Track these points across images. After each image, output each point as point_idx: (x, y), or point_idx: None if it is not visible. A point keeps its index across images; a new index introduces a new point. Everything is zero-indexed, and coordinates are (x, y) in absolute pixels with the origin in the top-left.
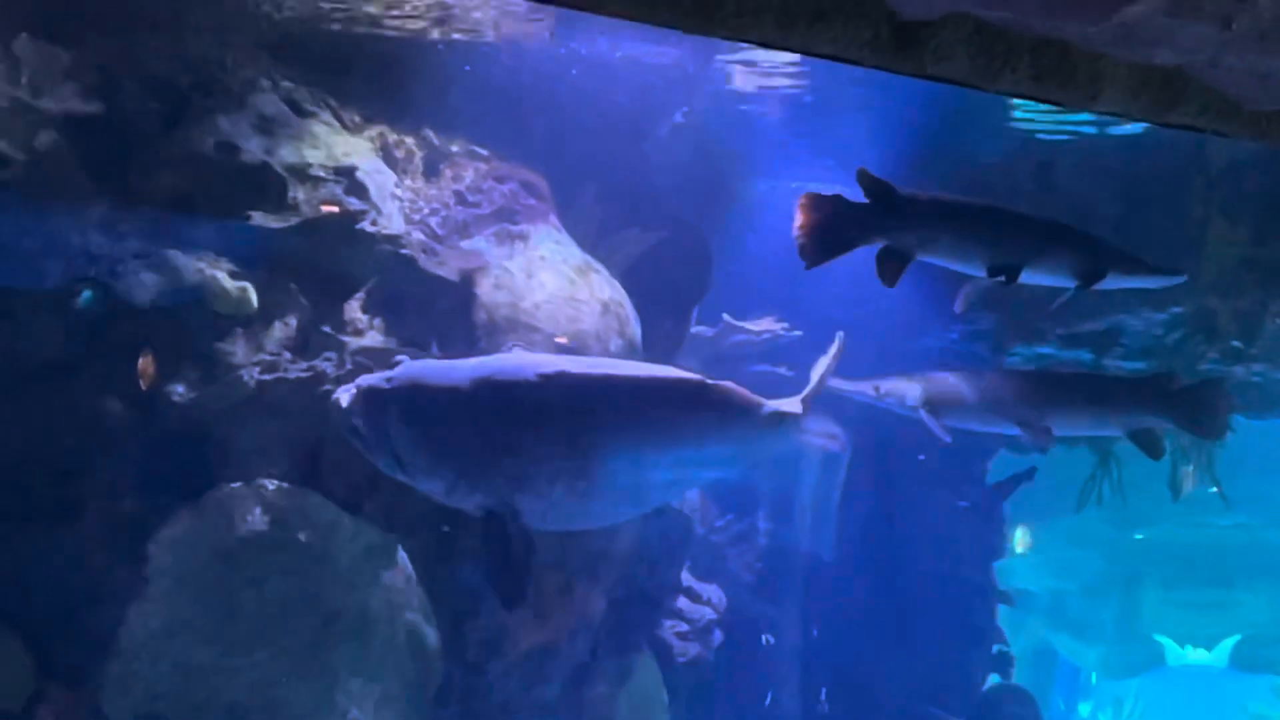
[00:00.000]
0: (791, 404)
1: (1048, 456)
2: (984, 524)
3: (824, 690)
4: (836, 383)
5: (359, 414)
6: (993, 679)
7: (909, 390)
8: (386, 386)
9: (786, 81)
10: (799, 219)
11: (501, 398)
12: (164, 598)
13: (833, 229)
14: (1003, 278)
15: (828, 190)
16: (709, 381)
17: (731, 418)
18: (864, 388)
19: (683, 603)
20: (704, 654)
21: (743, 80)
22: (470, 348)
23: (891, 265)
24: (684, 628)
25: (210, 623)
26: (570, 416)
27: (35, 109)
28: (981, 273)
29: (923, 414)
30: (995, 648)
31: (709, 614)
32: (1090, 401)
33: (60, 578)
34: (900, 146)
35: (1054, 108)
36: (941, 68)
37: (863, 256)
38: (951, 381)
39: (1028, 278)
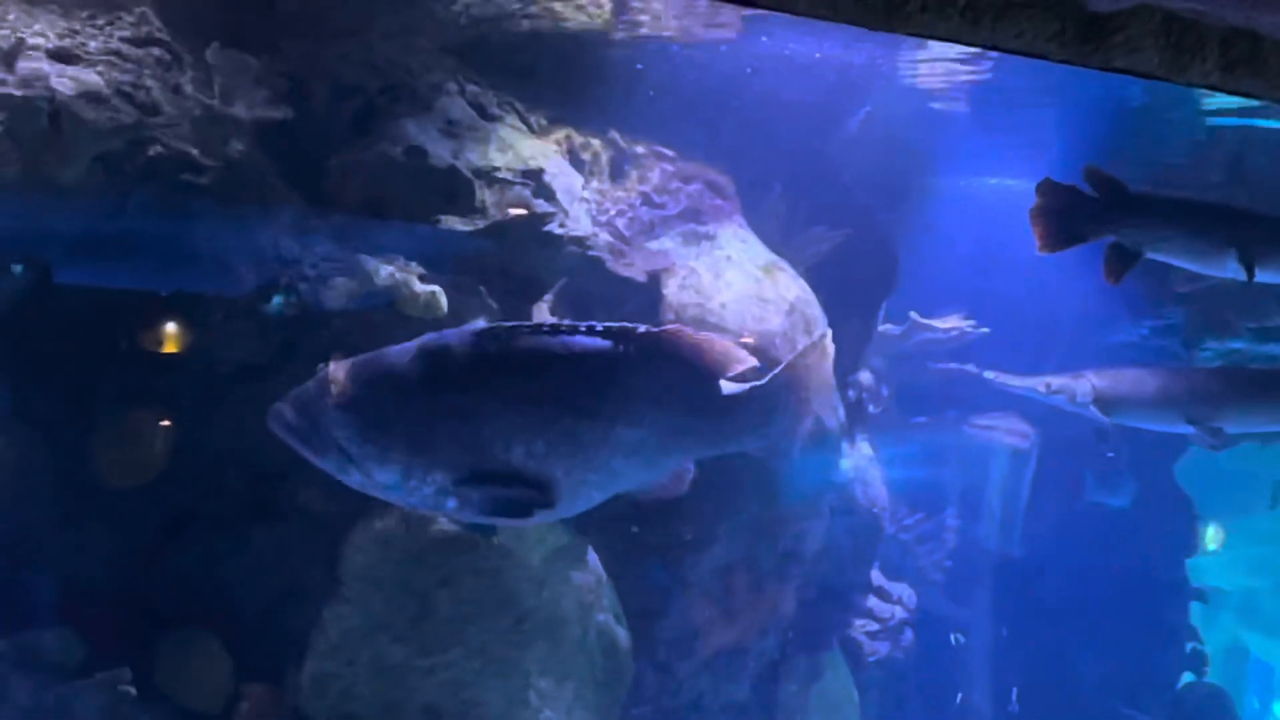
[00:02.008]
0: (742, 387)
1: (1240, 454)
2: (1174, 520)
3: (1015, 690)
4: (1004, 379)
5: (297, 414)
6: (1186, 677)
7: (1078, 387)
8: (319, 380)
9: (972, 77)
10: (1036, 203)
11: (437, 365)
12: (358, 599)
13: (1066, 219)
14: (1241, 275)
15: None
16: (664, 332)
17: (688, 375)
18: (1034, 384)
19: (872, 601)
20: (894, 653)
21: (928, 76)
22: None
23: (1119, 262)
24: (874, 626)
25: (404, 623)
26: (512, 373)
27: (227, 116)
28: (1214, 271)
29: (1093, 411)
30: (1189, 646)
31: (899, 613)
32: (1267, 398)
33: (257, 579)
34: (1087, 138)
35: (1244, 99)
36: (1130, 60)
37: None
38: (1124, 378)
39: (1264, 276)
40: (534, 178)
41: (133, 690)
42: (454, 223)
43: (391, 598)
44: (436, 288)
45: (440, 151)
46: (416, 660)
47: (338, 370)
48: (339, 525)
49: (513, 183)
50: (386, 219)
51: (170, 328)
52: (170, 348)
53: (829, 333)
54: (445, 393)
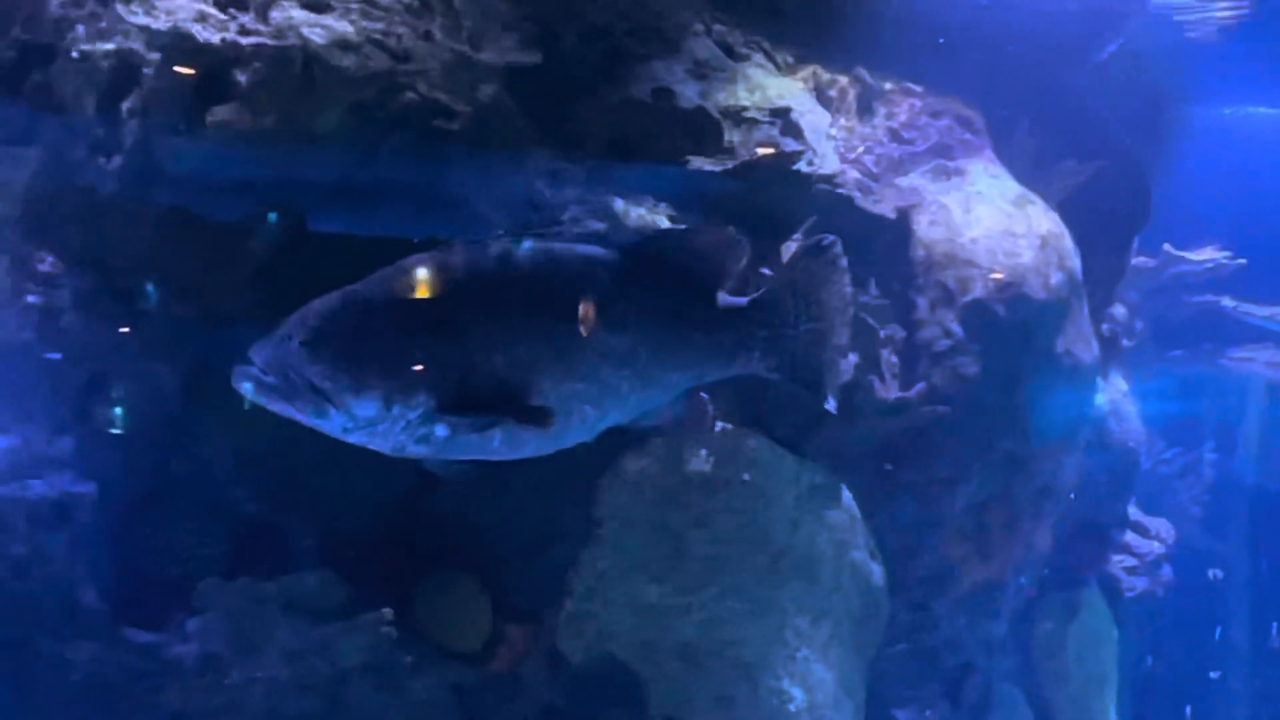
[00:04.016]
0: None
1: None
2: None
3: (1275, 625)
4: (1248, 309)
5: (262, 365)
6: None
7: None
8: (282, 326)
9: (1226, 2)
10: None
11: (402, 285)
12: (614, 539)
13: None
14: None
15: None
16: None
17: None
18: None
19: (1130, 537)
20: (1152, 588)
21: (1183, 11)
22: (907, 285)
23: None
24: (1132, 562)
25: (659, 563)
26: (484, 283)
27: (477, 62)
28: None
29: None
30: None
31: (1157, 548)
32: None
33: (512, 521)
34: None
35: None
36: None
37: None
38: None
39: None
40: (782, 116)
41: (394, 631)
42: (702, 163)
43: (647, 538)
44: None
45: (688, 92)
46: (672, 600)
47: (300, 312)
48: (594, 467)
49: (760, 122)
50: (635, 161)
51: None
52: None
53: (837, 240)
54: (414, 311)
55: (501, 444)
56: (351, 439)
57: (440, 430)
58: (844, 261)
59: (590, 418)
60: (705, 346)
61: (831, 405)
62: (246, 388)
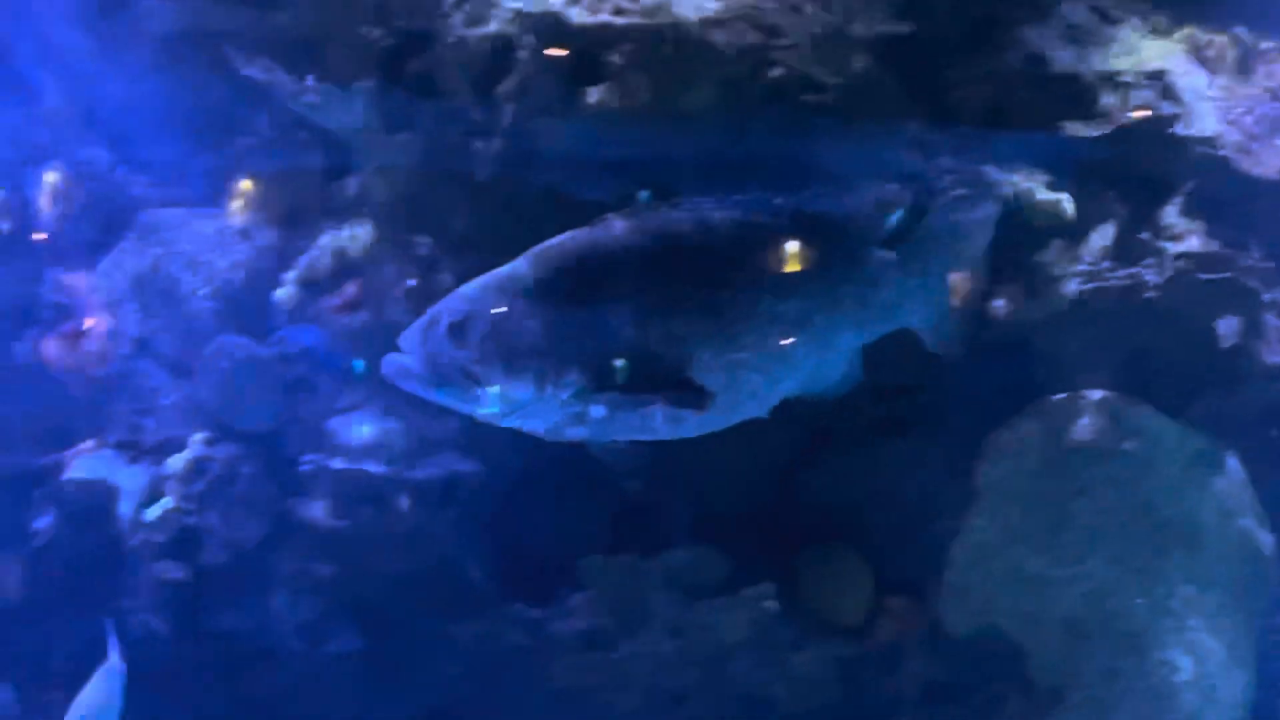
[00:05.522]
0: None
1: None
2: None
3: None
4: None
5: (411, 352)
6: None
7: None
8: (427, 315)
9: None
10: None
11: (550, 262)
12: (994, 509)
13: None
14: None
15: None
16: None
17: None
18: None
19: None
20: None
21: None
22: None
23: None
24: None
25: (1040, 533)
26: (636, 255)
27: (848, 35)
28: None
29: None
30: None
31: None
32: None
33: (891, 493)
34: None
35: None
36: None
37: None
38: None
39: None
40: (1158, 79)
41: (775, 606)
42: (1077, 129)
43: (1028, 509)
44: (1063, 195)
45: (1061, 57)
46: (1055, 571)
47: (447, 296)
48: (970, 438)
49: (1136, 85)
50: (1007, 129)
51: (795, 248)
52: (796, 268)
53: (981, 187)
54: (564, 287)
55: (664, 422)
56: (506, 424)
57: (597, 410)
58: (989, 210)
59: (760, 388)
60: (873, 304)
61: (949, 354)
62: (397, 377)
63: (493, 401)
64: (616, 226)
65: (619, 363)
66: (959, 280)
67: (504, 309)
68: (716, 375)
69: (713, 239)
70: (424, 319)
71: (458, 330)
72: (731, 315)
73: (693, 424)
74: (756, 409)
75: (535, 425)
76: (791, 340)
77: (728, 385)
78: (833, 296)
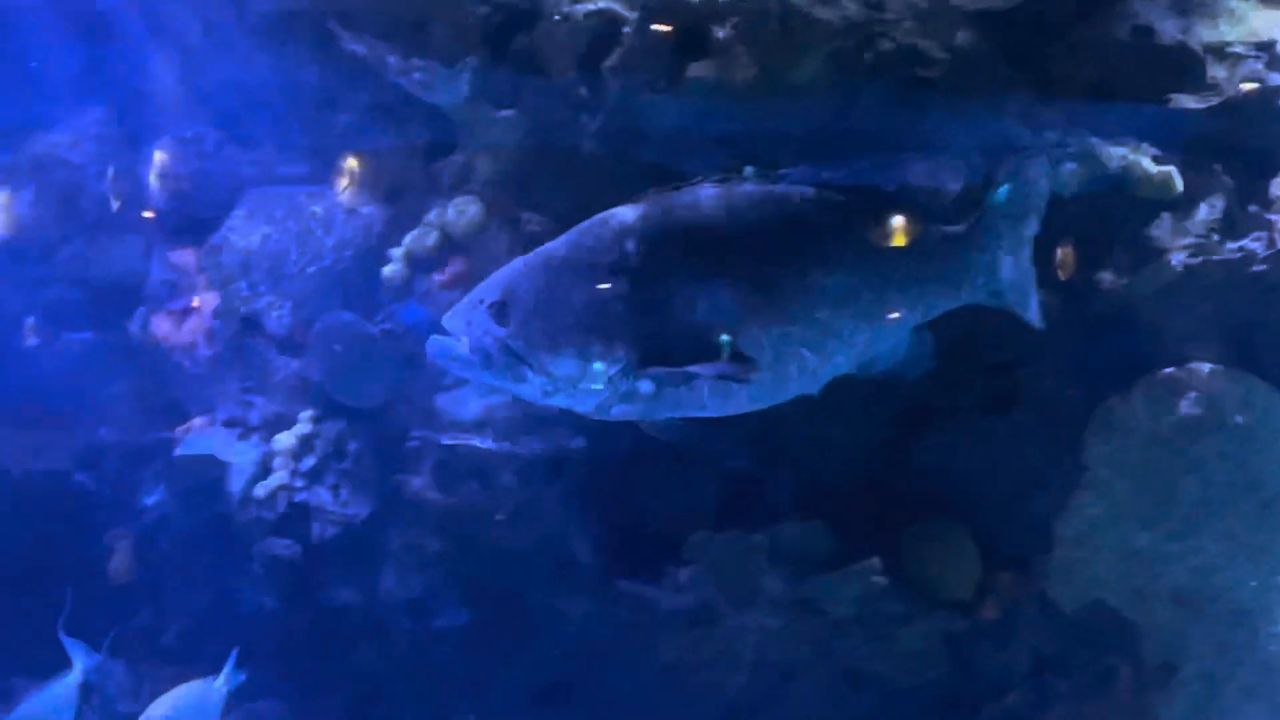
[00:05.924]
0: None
1: None
2: None
3: None
4: None
5: (455, 333)
6: None
7: None
8: (469, 296)
9: None
10: None
11: (592, 238)
12: (1102, 485)
13: None
14: None
15: None
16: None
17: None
18: None
19: None
20: None
21: None
22: None
23: None
24: None
25: (1148, 508)
26: (680, 230)
27: (954, 8)
28: None
29: None
30: None
31: None
32: None
33: (997, 469)
34: None
35: None
36: None
37: None
38: None
39: None
40: (1268, 50)
41: (884, 580)
42: (1185, 101)
43: (1136, 484)
44: (1170, 168)
45: (1168, 28)
46: (1163, 546)
47: (488, 280)
48: (1077, 413)
49: (1245, 56)
50: (1114, 101)
51: (900, 221)
52: (899, 242)
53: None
54: (608, 262)
55: (711, 396)
56: (554, 402)
57: (644, 386)
58: (1044, 184)
59: (810, 364)
60: (931, 279)
61: (1037, 321)
62: (441, 358)
63: (539, 381)
64: (660, 202)
65: (665, 337)
66: (1056, 254)
67: (547, 285)
68: (764, 350)
69: (759, 214)
70: (467, 299)
71: (500, 309)
72: (778, 289)
73: (741, 399)
74: (807, 385)
75: (582, 403)
76: (839, 314)
77: (775, 360)
78: (881, 271)
